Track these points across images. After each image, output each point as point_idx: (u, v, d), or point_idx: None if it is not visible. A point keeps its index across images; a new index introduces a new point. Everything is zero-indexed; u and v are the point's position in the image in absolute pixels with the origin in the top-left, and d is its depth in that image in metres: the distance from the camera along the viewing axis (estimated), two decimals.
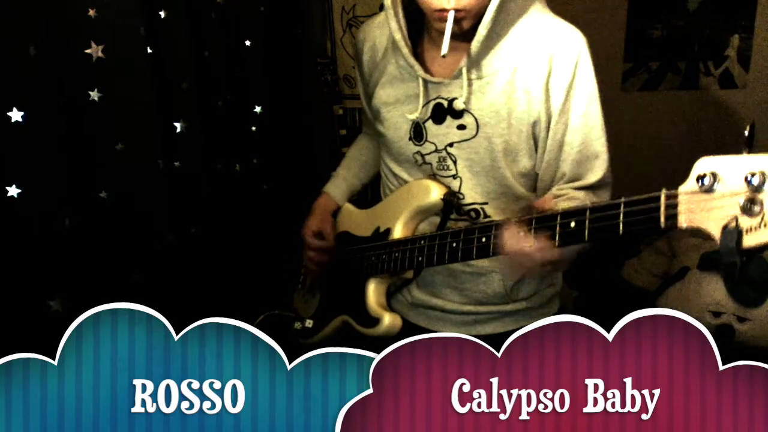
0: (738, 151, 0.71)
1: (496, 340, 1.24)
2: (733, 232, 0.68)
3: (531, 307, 1.24)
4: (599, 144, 1.11)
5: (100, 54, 1.13)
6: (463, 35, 1.07)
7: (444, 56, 1.04)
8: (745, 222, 0.67)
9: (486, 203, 1.16)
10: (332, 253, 1.37)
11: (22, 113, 0.98)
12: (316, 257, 1.39)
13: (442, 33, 1.04)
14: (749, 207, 0.67)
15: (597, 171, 1.11)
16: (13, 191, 0.99)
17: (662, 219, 0.75)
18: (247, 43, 1.77)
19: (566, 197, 1.10)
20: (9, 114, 0.97)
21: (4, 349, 1.00)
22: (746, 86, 2.97)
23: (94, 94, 1.14)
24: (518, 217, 0.95)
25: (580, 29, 1.09)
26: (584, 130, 1.09)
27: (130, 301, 1.23)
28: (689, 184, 0.73)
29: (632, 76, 3.09)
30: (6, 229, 0.98)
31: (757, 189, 0.66)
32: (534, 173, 1.15)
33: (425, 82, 1.13)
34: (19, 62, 0.97)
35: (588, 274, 2.20)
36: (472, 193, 1.16)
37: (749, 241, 0.67)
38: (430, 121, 1.15)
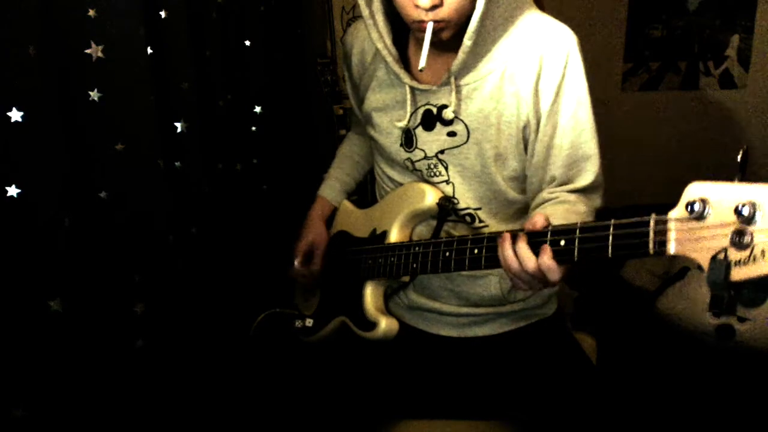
0: (730, 166, 0.69)
1: (493, 341, 1.25)
2: (722, 265, 0.66)
3: (528, 308, 1.24)
4: (589, 146, 1.09)
5: (100, 54, 1.13)
6: (448, 42, 1.05)
7: (421, 70, 1.03)
8: (734, 254, 0.66)
9: (479, 208, 1.16)
10: (320, 267, 1.38)
11: (22, 113, 0.98)
12: (302, 280, 1.41)
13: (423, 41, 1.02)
14: (739, 239, 0.65)
15: (587, 174, 1.10)
16: (13, 191, 0.98)
17: (651, 245, 0.74)
18: (247, 43, 1.77)
19: (558, 200, 1.09)
20: (9, 114, 0.97)
21: (5, 348, 1.00)
22: (746, 86, 2.98)
23: (94, 94, 1.14)
24: (510, 231, 0.93)
25: (580, 29, 1.08)
26: (573, 133, 1.08)
27: (129, 302, 1.23)
28: (679, 210, 0.71)
29: (632, 76, 3.09)
30: (6, 229, 0.98)
31: (748, 220, 0.64)
32: (524, 175, 1.15)
33: (412, 89, 1.13)
34: (19, 62, 0.97)
35: (588, 274, 2.20)
36: (464, 198, 1.16)
37: (738, 274, 0.65)
38: (420, 128, 1.15)
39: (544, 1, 1.16)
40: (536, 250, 0.87)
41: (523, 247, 0.87)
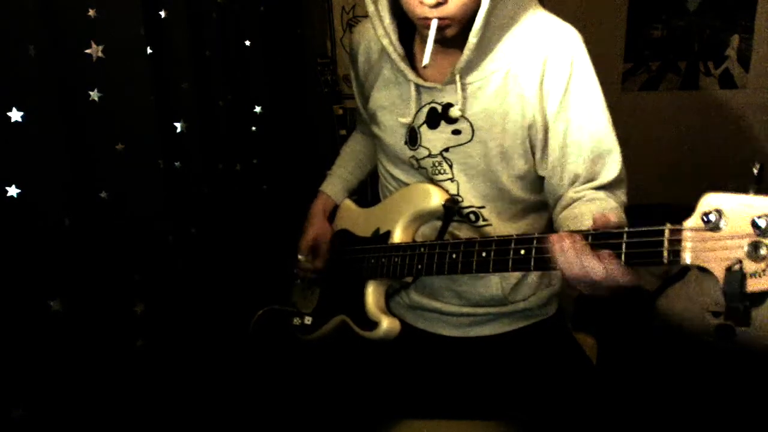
0: (745, 184, 0.69)
1: (494, 341, 1.25)
2: (737, 276, 0.66)
3: (529, 308, 1.24)
4: (609, 140, 1.08)
5: (100, 54, 1.13)
6: (453, 40, 1.05)
7: (425, 67, 1.03)
8: (749, 266, 0.66)
9: (483, 206, 1.16)
10: (325, 261, 1.37)
11: (22, 113, 0.98)
12: (305, 274, 1.40)
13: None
14: (754, 251, 0.65)
15: (612, 168, 1.09)
16: (13, 191, 0.98)
17: (665, 254, 0.73)
18: (247, 43, 1.77)
19: (587, 198, 1.07)
20: (9, 114, 0.97)
21: (5, 348, 1.00)
22: (746, 86, 2.97)
23: (94, 94, 1.14)
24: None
25: (580, 29, 1.08)
26: (592, 128, 1.07)
27: (129, 302, 1.23)
28: (694, 220, 0.71)
29: (632, 76, 3.09)
30: (6, 229, 0.98)
31: (764, 233, 0.65)
32: (531, 175, 1.14)
33: (417, 86, 1.12)
34: (19, 62, 0.97)
35: None
36: (468, 196, 1.15)
37: (753, 285, 0.65)
38: (424, 126, 1.14)
39: (544, 1, 1.16)
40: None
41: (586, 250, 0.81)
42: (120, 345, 1.22)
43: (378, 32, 1.10)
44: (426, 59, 1.02)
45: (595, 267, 0.80)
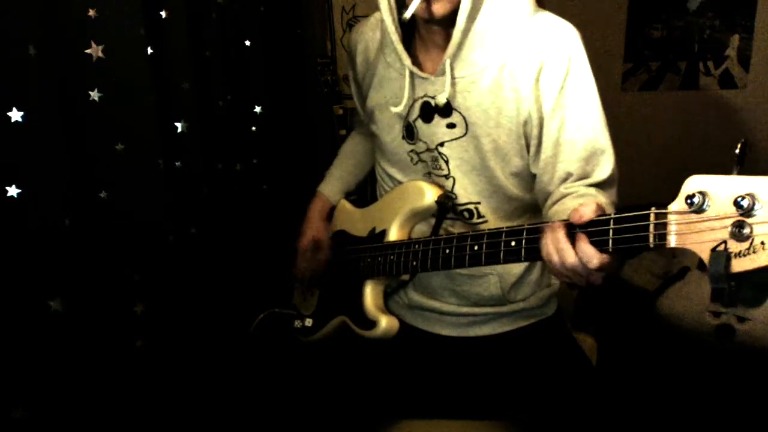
0: (730, 166, 0.68)
1: (493, 341, 1.25)
2: (722, 257, 0.66)
3: (528, 308, 1.24)
4: (603, 139, 1.08)
5: (100, 54, 1.13)
6: (447, 34, 1.05)
7: (404, 19, 1.03)
8: (734, 246, 0.66)
9: (479, 202, 1.16)
10: (324, 262, 1.37)
11: (22, 113, 0.98)
12: (309, 269, 1.40)
13: (427, 31, 1.03)
14: (738, 231, 0.65)
15: (605, 167, 1.08)
16: (13, 191, 0.99)
17: (651, 238, 0.74)
18: (247, 43, 1.77)
19: (578, 194, 1.06)
20: (9, 114, 0.97)
21: (5, 348, 1.00)
22: (746, 86, 2.97)
23: (94, 94, 1.14)
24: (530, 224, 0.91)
25: (580, 29, 1.07)
26: (587, 127, 1.07)
27: (129, 302, 1.23)
28: (678, 203, 0.71)
29: (632, 76, 3.09)
30: (6, 229, 0.98)
31: (747, 212, 0.64)
32: (527, 173, 1.14)
33: (412, 75, 1.12)
34: (19, 62, 0.97)
35: None
36: (465, 193, 1.15)
37: (738, 266, 0.65)
38: (419, 120, 1.15)
39: (545, 1, 1.16)
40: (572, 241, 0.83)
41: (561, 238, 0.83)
42: (120, 345, 1.22)
43: (382, 6, 1.09)
44: (408, 13, 1.01)
45: (568, 250, 0.82)
